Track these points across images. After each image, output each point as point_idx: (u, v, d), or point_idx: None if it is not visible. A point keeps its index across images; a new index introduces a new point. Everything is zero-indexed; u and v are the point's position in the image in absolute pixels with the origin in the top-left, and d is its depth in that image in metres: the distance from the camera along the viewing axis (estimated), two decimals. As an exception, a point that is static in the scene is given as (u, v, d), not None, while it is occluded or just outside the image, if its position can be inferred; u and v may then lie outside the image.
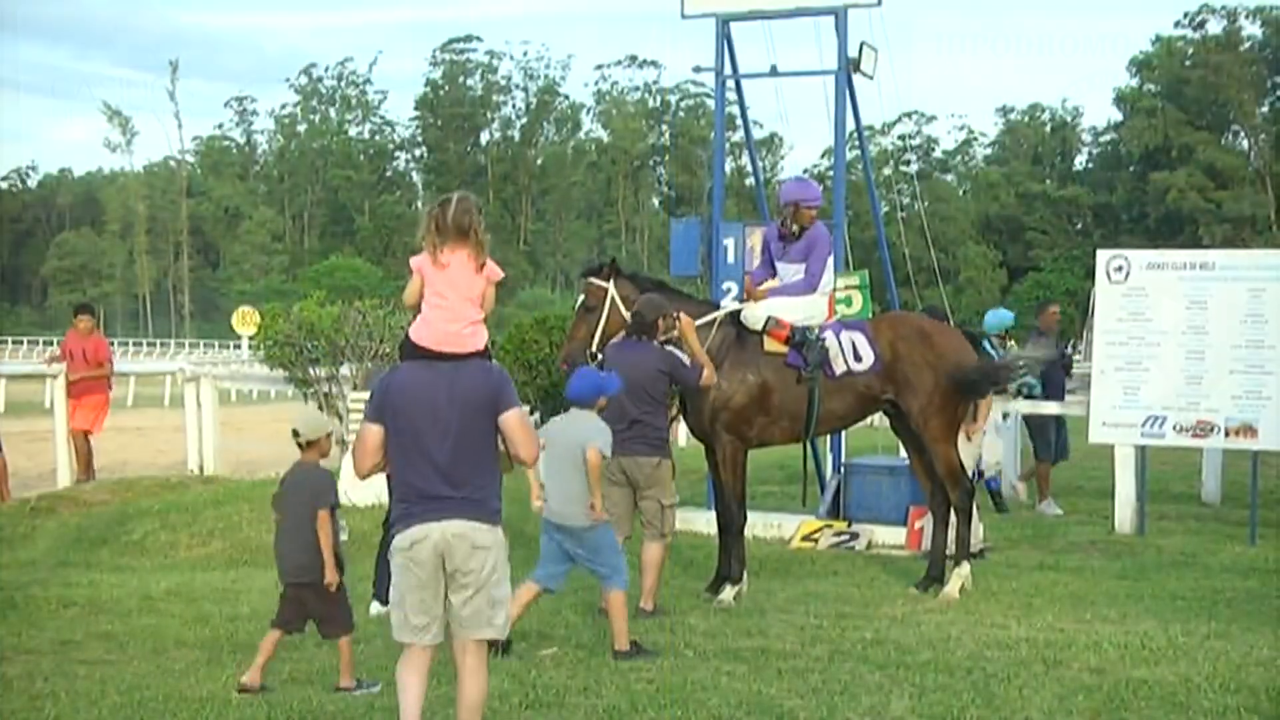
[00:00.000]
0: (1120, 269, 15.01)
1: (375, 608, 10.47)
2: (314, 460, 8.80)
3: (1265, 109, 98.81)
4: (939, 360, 11.84)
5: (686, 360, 10.88)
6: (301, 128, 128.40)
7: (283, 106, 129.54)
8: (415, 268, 6.75)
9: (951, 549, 11.96)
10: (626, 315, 11.19)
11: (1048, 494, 16.96)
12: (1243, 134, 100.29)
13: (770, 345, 11.75)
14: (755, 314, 11.86)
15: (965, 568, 11.74)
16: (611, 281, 11.43)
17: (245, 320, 48.59)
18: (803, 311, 11.89)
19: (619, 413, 10.42)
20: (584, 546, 9.51)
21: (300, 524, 8.56)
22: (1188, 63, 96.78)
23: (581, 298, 11.54)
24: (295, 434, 8.80)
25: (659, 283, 11.94)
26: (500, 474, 6.82)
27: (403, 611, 6.70)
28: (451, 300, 6.62)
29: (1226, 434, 14.45)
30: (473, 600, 6.64)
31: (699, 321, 11.54)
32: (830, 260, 12.38)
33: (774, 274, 12.37)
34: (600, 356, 11.16)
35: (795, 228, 12.18)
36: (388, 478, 6.92)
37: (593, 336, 11.31)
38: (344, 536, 8.72)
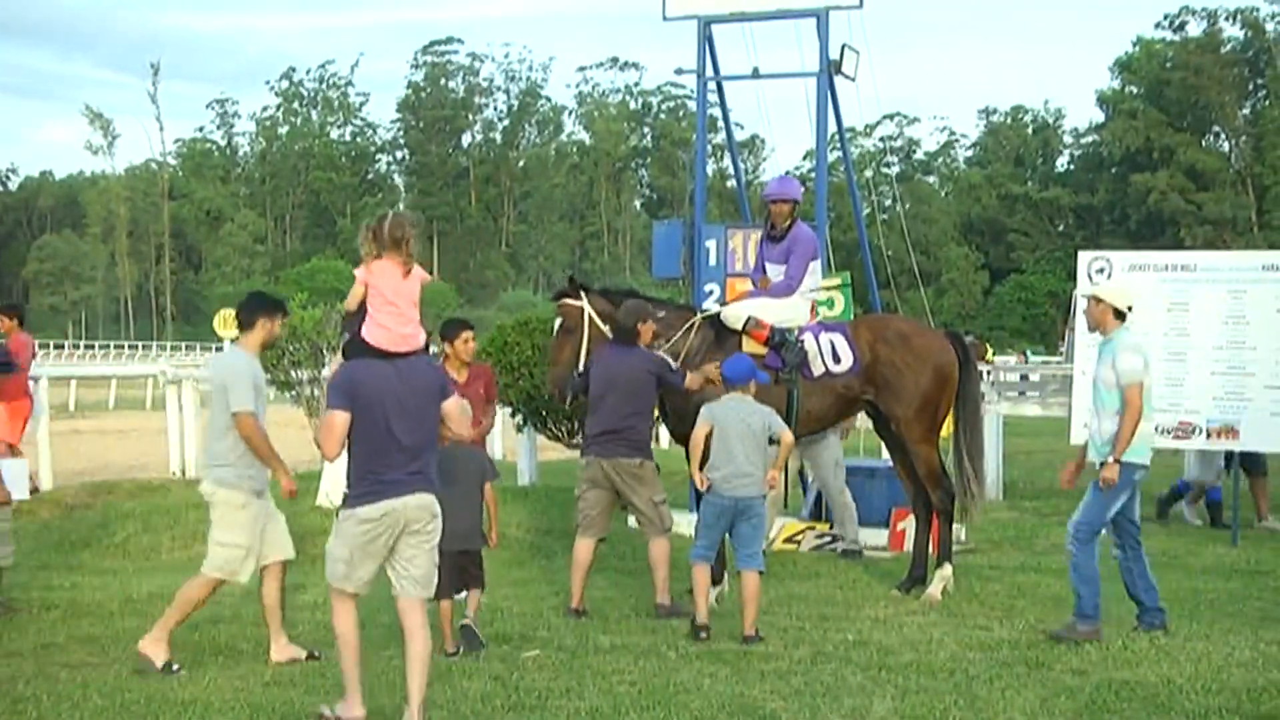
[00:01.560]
0: (1102, 270, 15.05)
1: None
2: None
3: (1246, 111, 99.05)
4: (918, 362, 11.86)
5: (674, 363, 11.00)
6: (283, 130, 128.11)
7: (264, 109, 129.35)
8: (360, 278, 7.79)
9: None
10: (605, 329, 11.27)
11: (1267, 511, 16.13)
12: (1224, 136, 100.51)
13: (749, 346, 11.73)
14: (736, 314, 11.89)
15: (947, 569, 11.76)
16: (585, 298, 11.46)
17: (227, 322, 48.34)
18: (783, 313, 11.90)
19: (606, 416, 10.57)
20: (748, 520, 10.12)
21: (466, 498, 9.54)
22: (1169, 64, 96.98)
23: (559, 320, 11.53)
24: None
25: (630, 292, 12.02)
26: None
27: (351, 568, 7.64)
28: (401, 306, 7.65)
29: (1208, 435, 14.49)
30: (424, 563, 7.73)
31: (683, 329, 11.64)
32: (817, 263, 12.37)
33: (765, 274, 12.41)
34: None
35: (778, 227, 12.21)
36: None
37: (577, 356, 11.33)
38: None
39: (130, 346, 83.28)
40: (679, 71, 16.45)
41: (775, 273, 12.27)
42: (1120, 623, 10.43)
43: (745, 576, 10.06)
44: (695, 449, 10.29)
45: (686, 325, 11.81)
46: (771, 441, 10.20)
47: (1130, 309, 10.15)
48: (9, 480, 10.85)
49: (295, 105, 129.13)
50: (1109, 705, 8.16)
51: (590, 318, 11.34)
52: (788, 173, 27.01)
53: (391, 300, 7.61)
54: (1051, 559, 13.57)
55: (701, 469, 10.18)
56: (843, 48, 14.76)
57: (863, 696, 8.32)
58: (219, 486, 9.34)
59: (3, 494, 10.67)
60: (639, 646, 9.64)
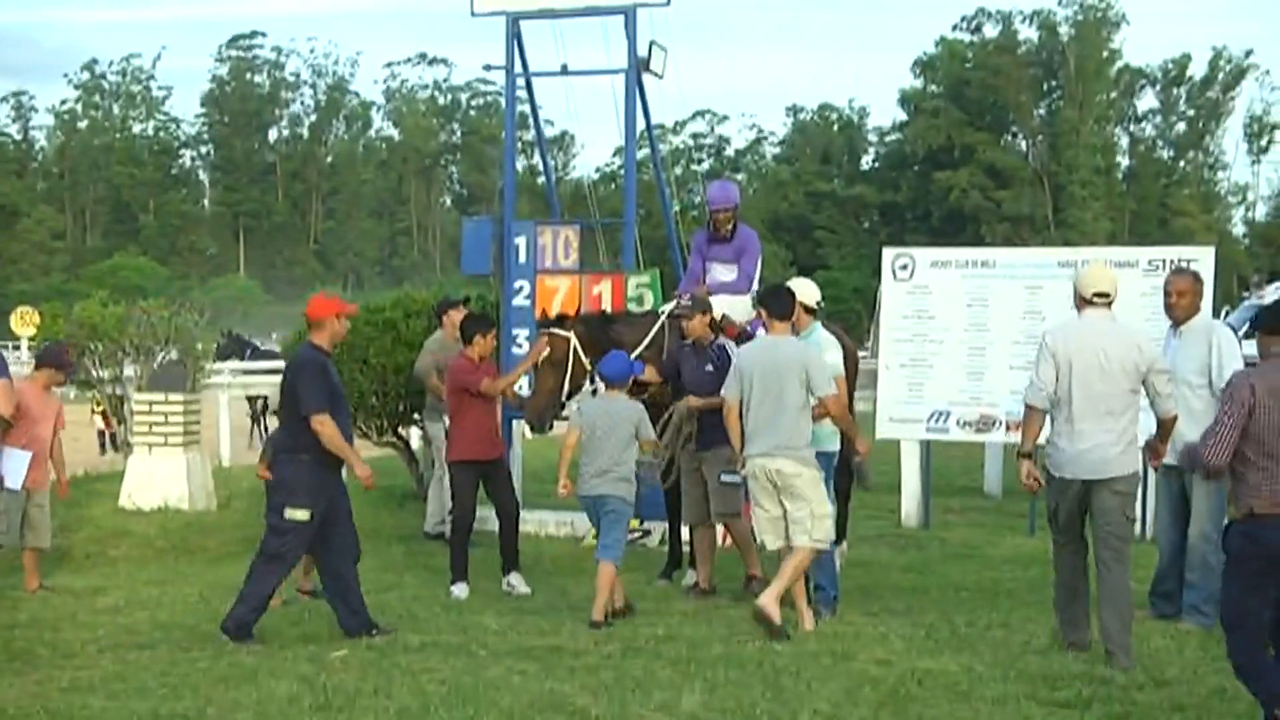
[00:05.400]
0: (905, 267, 15.30)
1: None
2: None
3: (1042, 111, 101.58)
4: (849, 358, 12.40)
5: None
6: (83, 124, 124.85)
7: (63, 102, 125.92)
8: None
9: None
10: (586, 362, 11.57)
11: None
12: (1021, 135, 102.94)
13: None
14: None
15: (844, 545, 12.65)
16: (573, 333, 11.68)
17: (24, 321, 47.15)
18: (742, 310, 12.39)
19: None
20: (607, 514, 10.58)
21: None
22: (968, 64, 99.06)
23: (546, 351, 11.64)
24: None
25: (605, 315, 12.53)
26: None
27: None
28: None
29: (1007, 428, 14.75)
30: None
31: (653, 330, 12.06)
32: (760, 260, 12.98)
33: (705, 274, 12.90)
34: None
35: (722, 230, 12.77)
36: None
37: (561, 388, 11.61)
38: None
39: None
40: (487, 68, 16.38)
41: (723, 272, 12.80)
42: (924, 612, 10.64)
43: (600, 566, 10.42)
44: (567, 453, 10.70)
45: (659, 325, 12.12)
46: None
47: (819, 304, 10.85)
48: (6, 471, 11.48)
49: (96, 99, 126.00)
50: (912, 694, 8.30)
51: (576, 349, 11.59)
52: (597, 170, 27.04)
53: None
54: (856, 551, 13.78)
55: None
56: (650, 45, 14.82)
57: (672, 690, 8.35)
58: (805, 466, 9.96)
59: None
60: (449, 645, 9.59)
